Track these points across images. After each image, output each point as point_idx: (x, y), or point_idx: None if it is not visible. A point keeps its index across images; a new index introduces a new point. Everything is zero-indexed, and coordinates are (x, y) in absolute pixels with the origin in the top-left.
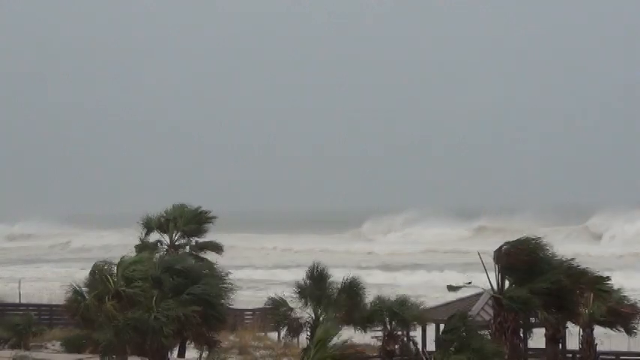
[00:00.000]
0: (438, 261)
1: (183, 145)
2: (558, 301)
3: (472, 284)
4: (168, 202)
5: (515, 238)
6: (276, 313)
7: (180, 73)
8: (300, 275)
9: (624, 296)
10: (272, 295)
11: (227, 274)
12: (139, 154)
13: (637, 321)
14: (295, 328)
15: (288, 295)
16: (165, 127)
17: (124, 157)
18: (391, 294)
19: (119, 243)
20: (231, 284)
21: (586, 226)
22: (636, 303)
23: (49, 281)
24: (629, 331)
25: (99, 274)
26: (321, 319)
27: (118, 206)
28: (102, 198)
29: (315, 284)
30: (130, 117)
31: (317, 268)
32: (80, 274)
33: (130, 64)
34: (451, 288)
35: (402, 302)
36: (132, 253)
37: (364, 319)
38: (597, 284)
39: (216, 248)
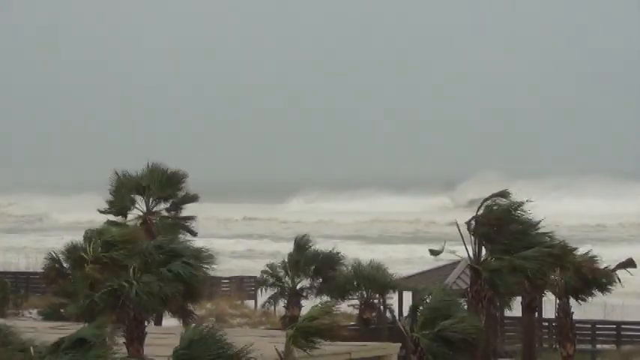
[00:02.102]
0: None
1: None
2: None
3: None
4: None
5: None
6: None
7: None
8: (238, 246)
9: (591, 257)
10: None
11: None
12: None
13: (608, 280)
14: (274, 296)
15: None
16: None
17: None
18: None
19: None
20: (212, 258)
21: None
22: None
23: (27, 250)
24: (603, 289)
25: (85, 241)
26: (298, 287)
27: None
28: (83, 165)
29: (298, 254)
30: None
31: (302, 238)
32: (59, 243)
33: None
34: (433, 252)
35: (378, 270)
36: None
37: (341, 288)
38: (567, 256)
39: (192, 200)
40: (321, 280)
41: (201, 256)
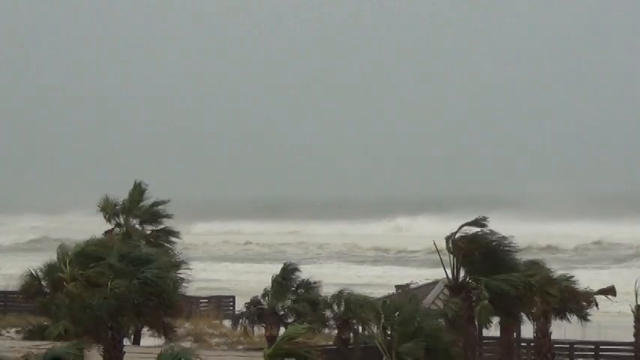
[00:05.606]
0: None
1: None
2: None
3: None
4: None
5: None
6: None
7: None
8: None
9: (573, 282)
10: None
11: (181, 261)
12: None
13: (590, 306)
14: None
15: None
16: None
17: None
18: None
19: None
20: (187, 269)
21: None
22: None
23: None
24: (583, 317)
25: (61, 258)
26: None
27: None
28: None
29: (283, 278)
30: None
31: (290, 264)
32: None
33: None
34: (399, 287)
35: (365, 299)
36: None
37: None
38: (548, 285)
39: (172, 234)
40: (303, 302)
41: (169, 262)
